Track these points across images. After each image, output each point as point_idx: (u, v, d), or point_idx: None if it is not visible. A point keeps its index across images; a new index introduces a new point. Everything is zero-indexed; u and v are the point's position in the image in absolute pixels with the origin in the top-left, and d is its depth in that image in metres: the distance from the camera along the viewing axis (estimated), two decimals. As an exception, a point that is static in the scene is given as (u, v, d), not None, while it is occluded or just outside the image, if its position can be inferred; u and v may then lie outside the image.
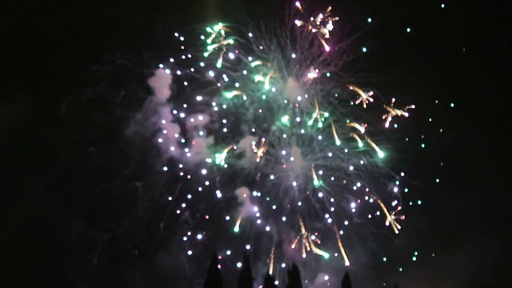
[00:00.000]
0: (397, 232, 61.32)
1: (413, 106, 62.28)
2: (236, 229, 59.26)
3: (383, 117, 62.96)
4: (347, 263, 59.64)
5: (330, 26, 63.32)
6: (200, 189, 61.36)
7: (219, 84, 62.75)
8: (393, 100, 62.65)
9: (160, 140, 61.31)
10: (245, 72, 63.30)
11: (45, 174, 57.19)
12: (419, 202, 61.59)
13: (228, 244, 59.97)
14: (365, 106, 62.94)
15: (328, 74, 63.83)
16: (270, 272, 51.96)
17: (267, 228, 61.31)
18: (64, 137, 58.33)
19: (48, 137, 57.69)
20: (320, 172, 62.66)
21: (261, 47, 63.10)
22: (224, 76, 62.96)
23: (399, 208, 61.63)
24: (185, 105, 62.52)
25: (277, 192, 62.41)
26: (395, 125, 63.11)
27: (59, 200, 57.18)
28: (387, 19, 60.79)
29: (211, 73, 62.77)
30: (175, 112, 62.21)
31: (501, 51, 62.64)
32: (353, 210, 62.16)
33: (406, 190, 62.09)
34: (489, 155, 61.50)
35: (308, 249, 60.51)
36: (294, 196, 62.47)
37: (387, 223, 61.63)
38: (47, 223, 56.10)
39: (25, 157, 57.58)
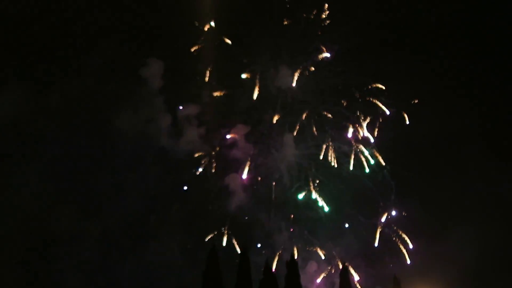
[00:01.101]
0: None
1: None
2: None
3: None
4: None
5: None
6: (191, 179, 61.58)
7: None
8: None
9: (151, 130, 61.13)
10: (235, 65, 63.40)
11: (36, 165, 57.22)
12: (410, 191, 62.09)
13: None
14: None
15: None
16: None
17: (258, 217, 61.45)
18: (55, 128, 58.41)
19: (39, 128, 57.77)
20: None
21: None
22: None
23: (392, 196, 62.14)
24: (176, 96, 62.35)
25: (269, 181, 62.59)
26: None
27: (50, 191, 56.97)
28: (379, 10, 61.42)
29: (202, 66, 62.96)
30: (166, 102, 62.02)
31: (491, 37, 63.19)
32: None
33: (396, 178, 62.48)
34: (479, 143, 61.46)
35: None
36: (285, 185, 62.63)
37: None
38: (38, 214, 55.90)
39: (16, 148, 57.46)
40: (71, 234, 57.01)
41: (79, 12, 59.82)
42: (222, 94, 62.55)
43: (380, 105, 62.55)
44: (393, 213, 61.81)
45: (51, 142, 58.11)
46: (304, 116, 62.55)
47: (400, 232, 61.03)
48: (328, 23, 63.55)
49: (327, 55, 63.01)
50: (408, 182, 61.21)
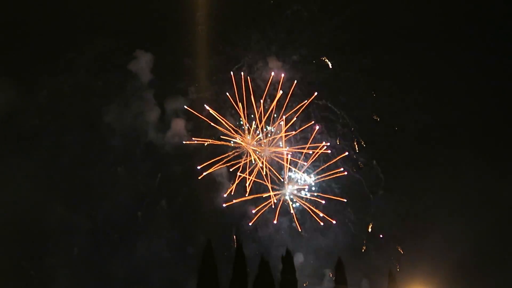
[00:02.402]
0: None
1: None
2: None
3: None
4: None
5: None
6: (179, 172, 61.40)
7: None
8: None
9: (140, 125, 61.34)
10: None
11: (26, 161, 57.13)
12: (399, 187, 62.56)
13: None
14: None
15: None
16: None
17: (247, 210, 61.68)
18: (45, 124, 58.72)
19: (28, 124, 58.27)
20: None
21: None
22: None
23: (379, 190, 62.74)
24: (165, 90, 62.38)
25: (258, 172, 62.77)
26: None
27: (40, 186, 57.11)
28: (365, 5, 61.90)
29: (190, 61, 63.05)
30: (156, 96, 62.19)
31: (479, 31, 62.60)
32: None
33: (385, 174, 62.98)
34: (467, 139, 61.50)
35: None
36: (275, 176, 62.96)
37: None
38: (28, 209, 55.93)
39: (6, 144, 57.37)
40: (61, 230, 57.40)
41: (67, 8, 59.29)
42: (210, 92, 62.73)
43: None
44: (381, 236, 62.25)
45: (40, 138, 58.65)
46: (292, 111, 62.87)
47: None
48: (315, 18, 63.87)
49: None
50: (396, 178, 62.09)
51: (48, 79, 59.38)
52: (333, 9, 62.74)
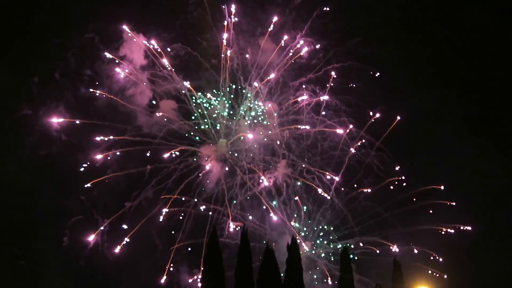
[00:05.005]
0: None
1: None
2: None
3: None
4: None
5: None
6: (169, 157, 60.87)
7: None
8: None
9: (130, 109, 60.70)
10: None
11: (17, 146, 56.86)
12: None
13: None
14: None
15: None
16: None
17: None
18: (36, 110, 57.74)
19: (20, 110, 57.30)
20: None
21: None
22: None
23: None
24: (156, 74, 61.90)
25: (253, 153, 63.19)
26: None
27: (30, 172, 56.65)
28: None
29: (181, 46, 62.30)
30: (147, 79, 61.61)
31: (473, 20, 62.55)
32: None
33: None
34: (458, 122, 61.86)
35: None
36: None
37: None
38: (18, 194, 55.70)
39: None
40: (51, 214, 57.15)
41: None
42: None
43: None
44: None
45: (31, 124, 57.66)
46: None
47: None
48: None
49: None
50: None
51: (39, 65, 58.64)
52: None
